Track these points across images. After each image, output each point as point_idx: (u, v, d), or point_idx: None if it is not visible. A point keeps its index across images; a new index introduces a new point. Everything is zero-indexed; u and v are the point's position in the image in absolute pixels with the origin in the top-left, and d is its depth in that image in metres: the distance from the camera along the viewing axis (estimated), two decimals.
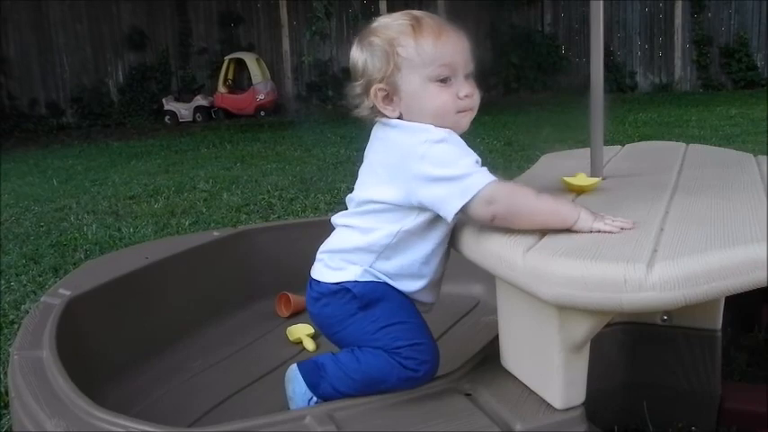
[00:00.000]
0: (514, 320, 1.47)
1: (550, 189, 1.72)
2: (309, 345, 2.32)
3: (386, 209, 1.53)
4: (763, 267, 1.20)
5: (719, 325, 1.73)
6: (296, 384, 1.61)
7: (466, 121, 1.55)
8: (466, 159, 1.43)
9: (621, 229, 1.35)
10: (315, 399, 1.57)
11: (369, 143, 1.62)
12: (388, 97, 1.53)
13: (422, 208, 1.49)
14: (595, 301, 1.18)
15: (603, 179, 1.77)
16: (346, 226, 1.62)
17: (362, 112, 1.57)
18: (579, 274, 1.18)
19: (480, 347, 1.66)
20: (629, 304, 1.15)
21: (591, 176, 1.78)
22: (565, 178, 1.72)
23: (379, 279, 1.58)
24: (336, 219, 1.66)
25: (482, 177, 1.39)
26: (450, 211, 1.42)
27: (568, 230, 1.37)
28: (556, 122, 8.62)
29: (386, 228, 1.54)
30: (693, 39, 13.65)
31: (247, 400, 2.01)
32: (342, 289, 1.59)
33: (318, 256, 1.67)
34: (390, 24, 1.53)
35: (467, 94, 1.51)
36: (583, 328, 1.27)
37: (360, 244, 1.58)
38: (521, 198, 1.41)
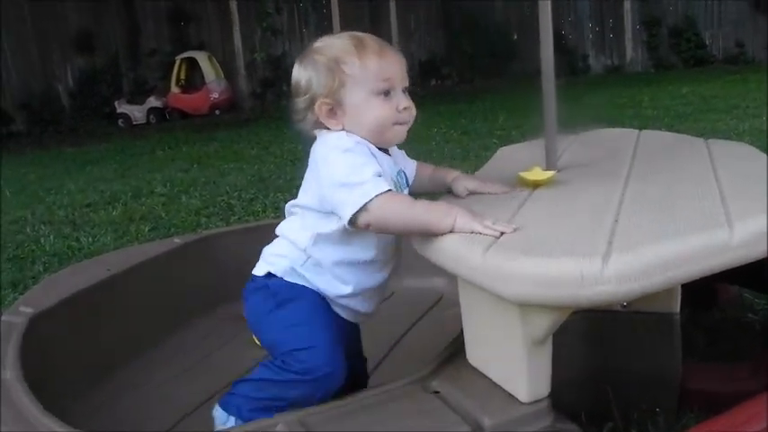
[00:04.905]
0: (477, 317, 1.49)
1: (507, 183, 1.75)
2: None
3: (307, 212, 1.64)
4: (716, 254, 1.24)
5: (677, 308, 1.77)
6: (217, 411, 1.68)
7: (403, 131, 1.65)
8: (366, 169, 1.51)
9: (501, 233, 1.38)
10: (232, 419, 1.63)
11: None
12: (332, 111, 1.61)
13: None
14: (554, 298, 1.21)
15: (558, 171, 1.80)
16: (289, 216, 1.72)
17: (307, 125, 1.66)
18: (537, 273, 1.20)
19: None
20: (586, 299, 1.18)
21: (546, 169, 1.81)
22: (520, 173, 1.75)
23: (303, 282, 1.65)
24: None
25: (373, 188, 1.48)
26: (344, 217, 1.51)
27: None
28: (511, 109, 8.69)
29: (306, 230, 1.64)
30: (643, 20, 13.84)
31: None
32: (264, 285, 1.68)
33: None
34: (334, 44, 1.64)
35: (405, 107, 1.62)
36: (544, 323, 1.30)
37: (291, 237, 1.67)
38: (392, 208, 1.50)
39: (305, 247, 1.64)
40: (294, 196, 1.71)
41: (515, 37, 13.95)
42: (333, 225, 1.59)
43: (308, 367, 1.53)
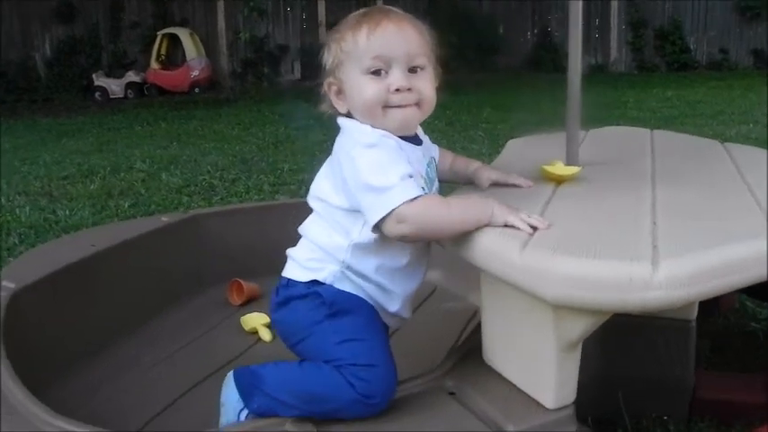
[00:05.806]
0: (502, 315, 1.41)
1: (528, 177, 1.67)
2: (266, 335, 2.23)
3: (332, 210, 1.49)
4: (765, 263, 1.18)
5: (694, 315, 1.72)
6: (229, 391, 1.51)
7: (403, 116, 1.46)
8: (392, 170, 1.37)
9: (534, 228, 1.30)
10: (246, 412, 1.46)
11: None
12: (340, 92, 1.50)
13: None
14: (599, 301, 1.13)
15: (582, 167, 1.73)
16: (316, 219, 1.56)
17: (324, 107, 1.55)
18: (583, 274, 1.12)
19: (454, 339, 1.63)
20: (634, 304, 1.11)
21: (567, 164, 1.74)
22: (544, 167, 1.67)
23: (355, 290, 1.49)
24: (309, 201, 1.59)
25: (400, 194, 1.34)
26: (370, 222, 1.38)
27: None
28: (496, 103, 8.65)
29: (339, 235, 1.48)
30: (629, 21, 13.85)
31: (203, 397, 1.90)
32: (312, 293, 1.49)
33: (290, 252, 1.58)
34: (345, 20, 1.51)
35: (398, 88, 1.43)
36: (580, 328, 1.22)
37: (324, 244, 1.51)
38: (430, 215, 1.37)
39: (343, 258, 1.47)
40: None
41: (501, 31, 13.90)
42: (367, 233, 1.43)
43: (369, 386, 1.34)
